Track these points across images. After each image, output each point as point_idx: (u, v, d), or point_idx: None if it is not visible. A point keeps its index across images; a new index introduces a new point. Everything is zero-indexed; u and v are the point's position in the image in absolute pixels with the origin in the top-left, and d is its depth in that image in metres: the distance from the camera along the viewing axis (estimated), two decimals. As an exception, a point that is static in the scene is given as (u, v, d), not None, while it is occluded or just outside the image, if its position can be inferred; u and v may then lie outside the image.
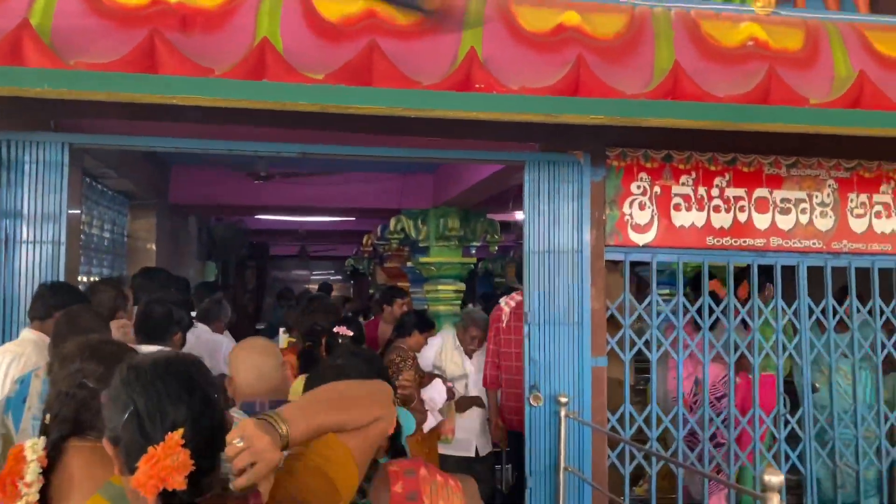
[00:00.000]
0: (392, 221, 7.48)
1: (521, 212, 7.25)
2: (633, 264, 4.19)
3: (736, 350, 4.10)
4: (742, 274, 4.19)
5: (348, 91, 2.92)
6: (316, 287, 13.48)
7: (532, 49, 3.18)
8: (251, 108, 2.94)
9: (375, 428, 1.44)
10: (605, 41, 3.24)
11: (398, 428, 2.06)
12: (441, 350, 4.95)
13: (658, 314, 4.06)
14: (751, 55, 3.34)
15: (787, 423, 4.14)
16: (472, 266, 8.14)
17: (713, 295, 4.10)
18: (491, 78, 3.05)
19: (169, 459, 1.16)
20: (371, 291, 11.87)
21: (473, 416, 4.96)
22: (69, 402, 1.71)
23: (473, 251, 8.02)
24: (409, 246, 8.14)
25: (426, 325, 4.57)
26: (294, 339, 4.38)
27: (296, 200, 7.47)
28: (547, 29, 3.18)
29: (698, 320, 4.10)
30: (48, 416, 1.69)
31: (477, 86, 3.02)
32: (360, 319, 7.23)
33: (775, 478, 2.17)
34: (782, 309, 4.14)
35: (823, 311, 4.18)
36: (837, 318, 4.20)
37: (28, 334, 3.17)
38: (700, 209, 4.11)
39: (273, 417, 1.28)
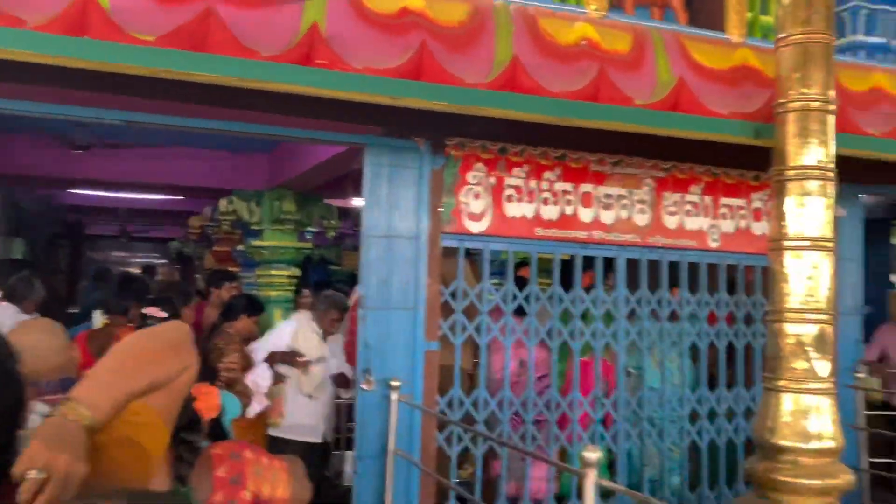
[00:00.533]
0: (223, 202, 7.18)
1: (359, 197, 7.23)
2: (472, 252, 4.29)
3: (559, 336, 4.30)
4: (587, 264, 4.40)
5: (181, 56, 2.75)
6: (139, 270, 12.71)
7: (376, 30, 3.15)
8: (69, 66, 2.70)
9: (180, 381, 1.36)
10: (448, 28, 3.27)
11: (221, 410, 1.98)
12: (296, 333, 4.84)
13: (489, 301, 4.18)
14: (583, 54, 3.50)
15: (604, 404, 4.40)
16: (307, 252, 8.00)
17: (521, 280, 4.27)
18: (334, 55, 2.99)
19: None
20: (197, 276, 11.37)
21: (324, 401, 4.90)
22: None
23: (309, 237, 7.88)
24: (241, 229, 7.86)
25: (255, 308, 4.43)
26: (108, 321, 4.11)
27: (118, 175, 6.98)
28: (392, 11, 3.17)
29: (525, 307, 4.27)
30: None
31: (318, 62, 2.95)
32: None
33: (593, 454, 2.30)
34: (625, 299, 4.39)
35: (640, 301, 4.49)
36: (664, 309, 4.51)
37: None
38: (530, 201, 4.27)
39: (71, 407, 1.16)
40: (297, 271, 7.48)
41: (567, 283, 4.32)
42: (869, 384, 6.18)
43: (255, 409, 4.06)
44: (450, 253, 4.19)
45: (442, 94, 3.11)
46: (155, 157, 6.85)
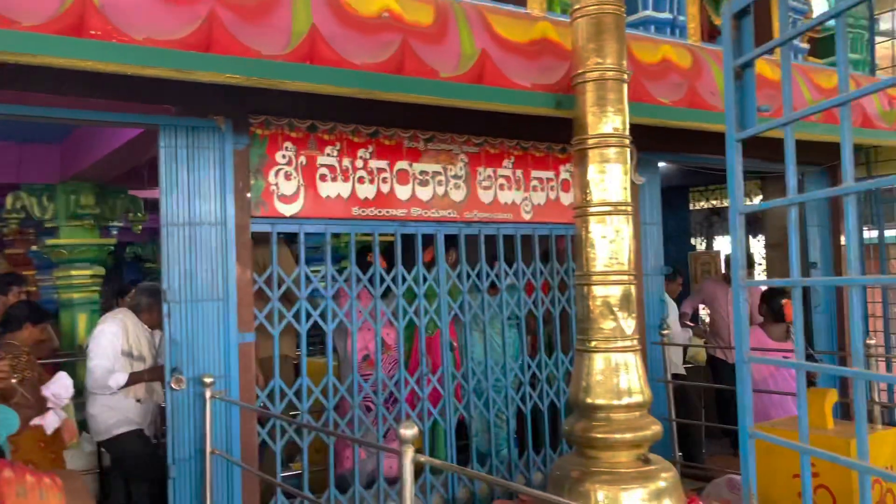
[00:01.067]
0: (9, 199, 6.48)
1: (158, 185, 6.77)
2: (288, 235, 4.11)
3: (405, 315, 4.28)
4: (427, 242, 4.39)
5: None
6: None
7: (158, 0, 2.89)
8: None
9: None
10: (239, -2, 3.06)
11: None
12: (126, 333, 4.44)
13: (307, 286, 4.02)
14: (386, 26, 3.41)
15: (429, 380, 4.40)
16: (112, 248, 7.41)
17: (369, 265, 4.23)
18: (109, 25, 2.70)
19: None
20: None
21: (150, 405, 4.56)
22: None
23: (115, 232, 7.30)
24: (33, 227, 7.16)
25: (39, 315, 4.02)
26: None
27: None
28: (176, -22, 2.91)
29: (370, 289, 4.18)
30: None
31: (92, 32, 2.66)
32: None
33: (408, 431, 2.23)
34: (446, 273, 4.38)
35: (470, 276, 4.51)
36: (484, 282, 4.56)
37: None
38: (345, 180, 4.15)
39: None
40: (101, 270, 6.92)
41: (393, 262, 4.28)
42: (695, 342, 6.67)
43: (53, 423, 3.66)
44: (262, 238, 3.99)
45: (236, 67, 2.90)
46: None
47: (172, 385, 3.58)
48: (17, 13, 2.61)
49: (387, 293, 4.31)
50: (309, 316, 4.00)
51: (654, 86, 4.22)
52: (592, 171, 3.40)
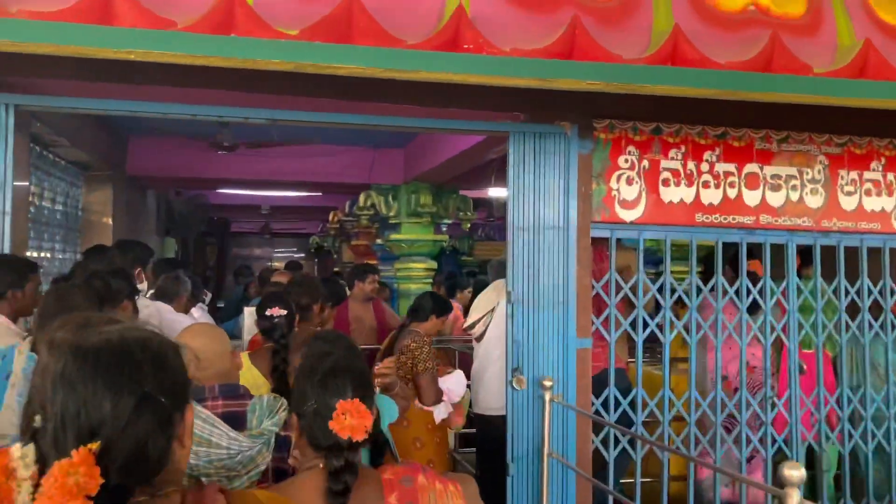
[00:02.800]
0: (362, 197, 7.23)
1: (495, 187, 7.08)
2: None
3: (773, 332, 4.02)
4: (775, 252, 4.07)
5: (326, 49, 2.66)
6: (279, 266, 13.14)
7: (523, 9, 2.95)
8: (217, 66, 2.67)
9: None
10: (600, 1, 3.02)
11: (377, 416, 1.84)
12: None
13: (645, 293, 3.90)
14: (752, 21, 3.15)
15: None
16: (443, 244, 7.94)
17: (751, 275, 3.98)
18: (480, 38, 2.82)
19: (70, 479, 0.92)
20: (336, 270, 11.60)
21: None
22: None
23: (445, 228, 7.81)
24: (378, 223, 7.90)
25: (443, 308, 4.29)
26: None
27: (260, 174, 7.17)
28: (538, -13, 2.95)
29: (736, 301, 3.97)
30: (38, 419, 1.42)
31: (465, 46, 2.79)
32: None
33: (795, 472, 2.01)
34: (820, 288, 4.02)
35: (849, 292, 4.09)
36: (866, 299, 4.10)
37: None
38: (689, 185, 3.94)
39: None
40: (433, 264, 7.44)
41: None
42: None
43: (441, 413, 3.93)
44: (599, 243, 3.95)
45: (598, 73, 2.87)
46: (296, 155, 6.97)
47: (514, 385, 3.68)
48: (403, 32, 2.82)
49: (754, 308, 4.03)
50: (646, 325, 3.88)
51: None
52: None
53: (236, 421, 1.93)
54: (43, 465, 1.38)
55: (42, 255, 5.20)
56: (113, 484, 0.96)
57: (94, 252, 4.13)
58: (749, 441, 3.96)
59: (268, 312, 3.33)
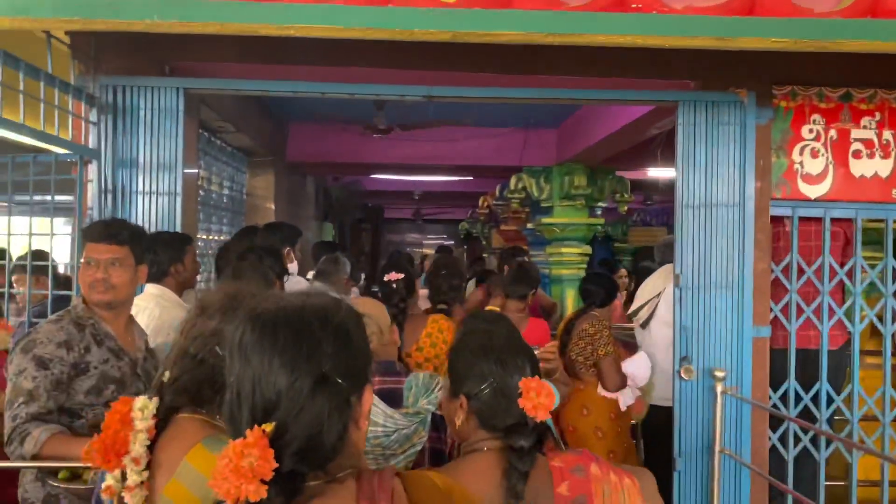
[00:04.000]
0: (513, 180, 7.09)
1: (657, 167, 6.72)
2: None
3: None
4: None
5: (485, 15, 2.53)
6: (431, 251, 13.29)
7: (699, -38, 2.68)
8: (375, 38, 2.61)
9: None
10: (786, -49, 2.70)
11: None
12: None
13: (830, 278, 3.51)
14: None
15: None
16: (597, 228, 7.66)
17: None
18: (651, -4, 2.59)
19: (244, 461, 0.86)
20: (485, 255, 11.56)
21: None
22: (194, 369, 1.43)
23: (599, 212, 7.53)
24: (529, 206, 7.74)
25: (614, 291, 4.18)
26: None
27: (413, 158, 7.20)
28: (717, -64, 2.67)
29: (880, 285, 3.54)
30: (167, 374, 1.43)
31: (634, 6, 2.57)
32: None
33: None
34: None
35: None
36: None
37: (151, 289, 3.05)
38: (885, 156, 3.51)
39: None
40: (588, 249, 7.19)
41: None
42: None
43: (627, 401, 3.76)
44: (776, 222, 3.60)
45: (785, 29, 2.55)
46: (447, 138, 6.95)
47: (682, 374, 3.43)
48: (564, -5, 2.64)
49: None
50: (833, 313, 3.50)
51: None
52: None
53: (392, 399, 1.86)
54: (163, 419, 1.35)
55: (210, 237, 5.45)
56: (287, 469, 0.90)
57: (243, 233, 4.25)
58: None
59: (386, 278, 3.38)
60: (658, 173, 7.48)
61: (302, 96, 3.56)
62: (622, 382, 3.71)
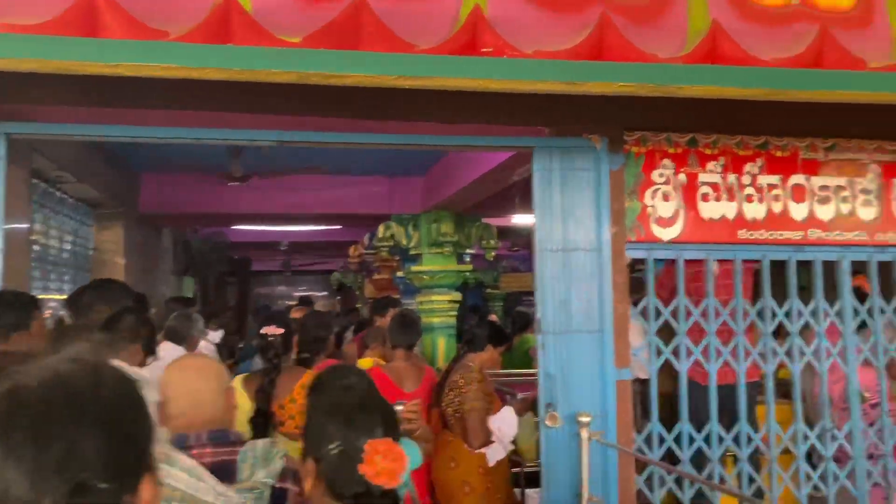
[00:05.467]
0: (381, 228, 6.97)
1: (518, 213, 6.80)
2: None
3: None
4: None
5: (331, 56, 2.43)
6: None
7: (546, 8, 2.71)
8: (214, 79, 2.45)
9: None
10: (630, -1, 2.77)
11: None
12: None
13: (687, 317, 3.58)
14: (798, 14, 2.88)
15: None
16: (466, 276, 7.65)
17: (857, 291, 3.75)
18: (500, 40, 2.57)
19: None
20: (358, 306, 11.34)
21: None
22: None
23: (468, 259, 7.53)
24: (399, 255, 7.64)
25: (501, 338, 4.04)
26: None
27: (276, 207, 6.97)
28: (563, -16, 2.71)
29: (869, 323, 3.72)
30: None
31: (484, 49, 2.55)
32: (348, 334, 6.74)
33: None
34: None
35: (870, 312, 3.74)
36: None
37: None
38: (731, 199, 3.65)
39: None
40: (457, 296, 7.14)
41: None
42: None
43: (494, 455, 3.65)
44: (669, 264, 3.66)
45: (630, 74, 2.60)
46: (311, 187, 6.77)
47: (546, 422, 3.37)
48: (415, 37, 2.58)
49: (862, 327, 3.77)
50: (690, 353, 3.56)
51: None
52: None
53: (227, 472, 1.65)
54: None
55: (49, 296, 4.99)
56: None
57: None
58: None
59: (263, 330, 3.21)
60: (523, 220, 7.58)
61: (149, 142, 3.32)
62: (485, 439, 3.64)
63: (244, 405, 2.87)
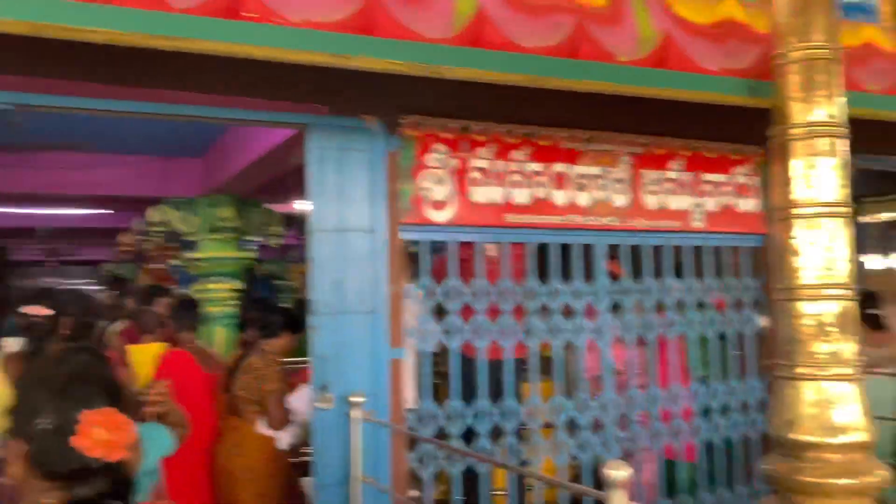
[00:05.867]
0: (152, 212, 6.54)
1: (302, 200, 6.66)
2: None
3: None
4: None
5: (71, 7, 2.20)
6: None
7: (315, -21, 2.64)
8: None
9: None
10: (399, -21, 2.78)
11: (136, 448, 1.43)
12: None
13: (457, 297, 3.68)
14: (557, 7, 3.05)
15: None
16: (249, 264, 7.38)
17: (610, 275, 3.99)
18: (265, 7, 2.47)
19: None
20: (127, 297, 10.58)
21: None
22: None
23: (254, 248, 7.28)
24: (175, 242, 7.22)
25: (297, 325, 3.95)
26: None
27: (35, 187, 6.29)
28: (333, -43, 2.66)
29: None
30: None
31: (245, 13, 2.43)
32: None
33: (619, 473, 1.82)
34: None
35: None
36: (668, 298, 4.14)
37: None
38: (499, 184, 3.80)
39: None
40: (239, 284, 6.88)
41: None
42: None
43: (287, 439, 3.64)
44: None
45: (398, 52, 2.61)
46: (76, 165, 6.20)
47: (318, 403, 3.32)
48: (172, -3, 2.41)
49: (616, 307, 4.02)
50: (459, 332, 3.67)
51: (856, 72, 3.65)
52: (798, 167, 2.91)
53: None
54: None
55: None
56: None
57: None
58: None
59: (23, 309, 2.91)
60: (306, 206, 7.45)
61: None
62: (284, 420, 3.61)
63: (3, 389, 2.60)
